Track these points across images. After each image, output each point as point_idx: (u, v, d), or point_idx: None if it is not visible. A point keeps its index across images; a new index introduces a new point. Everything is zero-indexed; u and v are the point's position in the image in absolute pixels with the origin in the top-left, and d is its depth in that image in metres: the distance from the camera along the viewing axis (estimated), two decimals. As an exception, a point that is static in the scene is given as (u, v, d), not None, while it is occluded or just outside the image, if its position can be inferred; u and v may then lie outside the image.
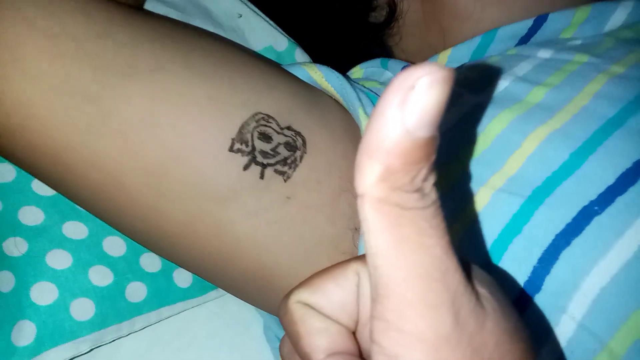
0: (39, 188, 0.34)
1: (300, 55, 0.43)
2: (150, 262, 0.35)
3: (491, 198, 0.28)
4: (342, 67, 0.45)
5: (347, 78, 0.34)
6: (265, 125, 0.28)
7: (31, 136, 0.27)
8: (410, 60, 0.44)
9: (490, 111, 0.30)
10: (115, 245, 0.34)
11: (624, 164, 0.26)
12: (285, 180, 0.28)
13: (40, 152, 0.27)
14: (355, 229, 0.29)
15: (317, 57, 0.47)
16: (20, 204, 0.33)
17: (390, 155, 0.14)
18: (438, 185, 0.27)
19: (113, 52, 0.27)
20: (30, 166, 0.29)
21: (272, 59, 0.42)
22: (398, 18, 0.42)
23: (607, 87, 0.29)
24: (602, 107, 0.28)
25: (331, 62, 0.46)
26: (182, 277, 0.36)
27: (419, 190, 0.15)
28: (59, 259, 0.33)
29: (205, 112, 0.27)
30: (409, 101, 0.14)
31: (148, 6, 0.41)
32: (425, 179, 0.15)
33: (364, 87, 0.35)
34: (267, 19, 0.43)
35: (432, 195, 0.16)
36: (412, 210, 0.15)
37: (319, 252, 0.29)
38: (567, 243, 0.26)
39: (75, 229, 0.33)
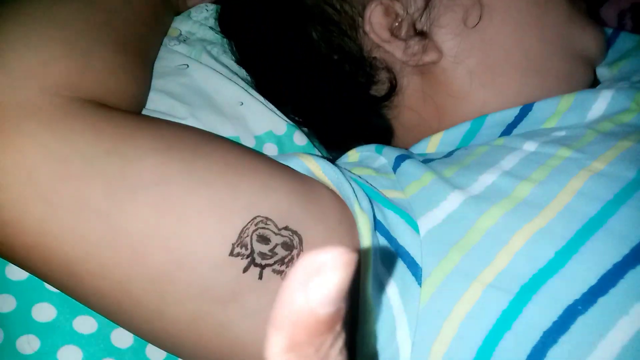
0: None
1: (299, 136, 0.46)
2: (155, 350, 0.36)
3: (482, 294, 0.29)
4: (343, 143, 0.47)
5: (340, 169, 0.35)
6: (264, 228, 0.30)
7: (44, 251, 0.28)
8: (407, 135, 0.46)
9: (479, 206, 0.32)
10: (122, 337, 0.35)
11: (604, 265, 0.28)
12: (282, 279, 0.30)
13: (53, 265, 0.29)
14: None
15: (318, 135, 0.49)
16: (34, 301, 0.34)
17: (295, 329, 0.15)
18: (429, 285, 0.27)
19: (121, 167, 0.28)
20: (43, 275, 0.30)
21: (272, 143, 0.44)
22: (398, 93, 0.44)
23: (588, 185, 0.31)
24: (584, 205, 0.30)
25: (332, 138, 0.49)
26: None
27: (325, 357, 0.16)
28: (69, 355, 0.34)
29: (207, 219, 0.29)
30: (313, 282, 0.15)
31: (154, 97, 0.43)
32: (331, 346, 0.16)
33: (360, 176, 0.37)
34: (267, 103, 0.46)
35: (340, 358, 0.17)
36: None
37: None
38: (554, 341, 0.27)
39: (85, 323, 0.35)
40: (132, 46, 0.37)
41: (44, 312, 0.34)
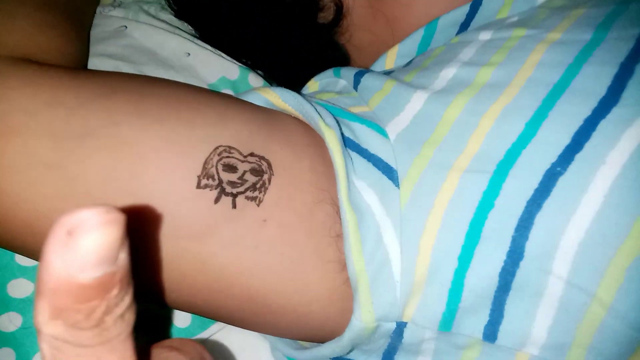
0: (22, 260, 0.34)
1: (254, 79, 0.44)
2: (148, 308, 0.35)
3: (460, 180, 0.29)
4: (300, 79, 0.46)
5: (302, 95, 0.35)
6: (228, 157, 0.29)
7: (3, 212, 0.27)
8: (363, 56, 0.45)
9: (443, 99, 0.31)
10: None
11: (575, 123, 0.27)
12: (258, 205, 0.29)
13: (13, 226, 0.27)
14: (337, 236, 0.30)
15: (272, 75, 0.48)
16: (8, 279, 0.33)
17: (55, 295, 0.14)
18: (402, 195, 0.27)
19: (65, 117, 0.27)
20: (7, 241, 0.29)
21: (227, 89, 0.43)
22: (346, 15, 0.43)
23: (547, 55, 0.31)
24: (546, 74, 0.30)
25: (287, 76, 0.48)
26: (180, 318, 0.36)
27: (98, 325, 0.15)
28: (55, 325, 0.32)
29: (165, 155, 0.27)
30: (68, 245, 0.13)
31: (96, 61, 0.42)
32: (108, 312, 0.15)
33: (321, 99, 0.36)
34: (216, 50, 0.44)
35: (119, 325, 0.15)
36: (92, 347, 0.15)
37: (304, 266, 0.29)
38: (539, 207, 0.27)
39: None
40: (59, 4, 0.35)
41: (20, 287, 0.33)
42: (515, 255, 0.27)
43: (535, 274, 0.27)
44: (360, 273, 0.28)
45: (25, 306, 0.33)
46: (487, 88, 0.31)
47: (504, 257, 0.27)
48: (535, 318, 0.27)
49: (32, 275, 0.33)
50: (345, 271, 0.30)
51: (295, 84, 0.47)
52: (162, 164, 0.27)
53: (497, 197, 0.28)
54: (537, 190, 0.27)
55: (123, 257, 0.15)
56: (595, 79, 0.28)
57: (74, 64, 0.36)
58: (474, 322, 0.28)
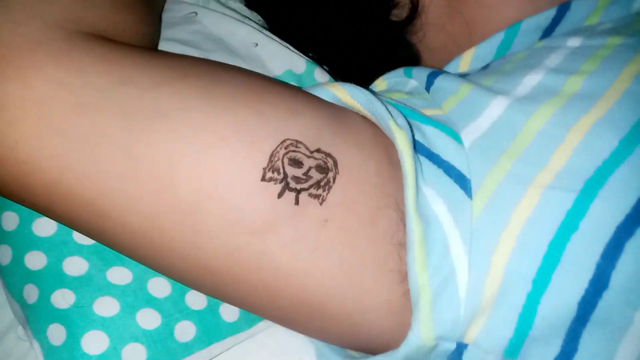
0: (80, 238, 0.34)
1: (320, 74, 0.43)
2: (196, 299, 0.35)
3: (540, 197, 0.26)
4: (367, 78, 0.44)
5: (372, 92, 0.33)
6: (295, 151, 0.28)
7: (66, 189, 0.27)
8: (435, 58, 0.44)
9: (526, 107, 0.29)
10: (160, 286, 0.34)
11: None
12: (320, 204, 0.28)
13: (76, 204, 0.27)
14: (400, 244, 0.28)
15: (340, 71, 0.47)
16: (64, 256, 0.33)
17: None
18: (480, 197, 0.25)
19: (137, 97, 0.27)
20: (68, 219, 0.29)
21: (293, 82, 0.42)
22: (420, 13, 0.41)
23: None
24: None
25: (354, 73, 0.46)
26: (229, 312, 0.36)
27: None
28: (106, 306, 0.32)
29: (233, 144, 0.27)
30: None
31: (165, 46, 0.41)
32: None
33: (391, 99, 0.35)
34: (283, 42, 0.44)
35: None
36: None
37: (363, 273, 0.28)
38: (631, 234, 0.24)
39: (120, 275, 0.33)
40: None
41: (75, 265, 0.33)
42: (599, 284, 0.25)
43: (619, 307, 0.24)
44: (422, 287, 0.27)
45: (79, 284, 0.33)
46: (577, 99, 0.29)
47: (585, 285, 0.25)
48: (615, 355, 0.25)
49: (88, 254, 0.33)
50: (406, 282, 0.28)
51: (362, 82, 0.45)
52: (229, 153, 0.27)
53: (582, 219, 0.25)
54: (629, 216, 0.25)
55: None
56: None
57: (146, 45, 0.36)
58: (543, 353, 0.26)
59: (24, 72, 0.26)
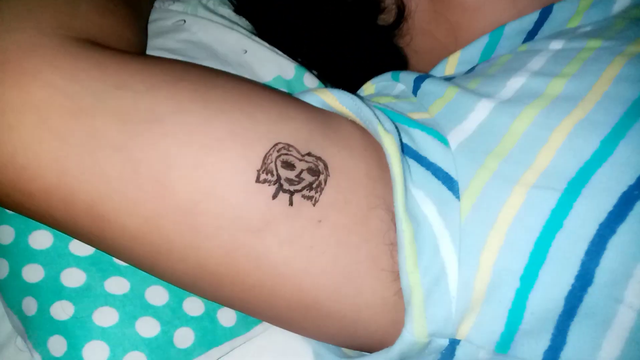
0: (77, 249, 0.34)
1: (309, 79, 0.44)
2: (194, 306, 0.35)
3: (526, 197, 0.27)
4: (355, 82, 0.45)
5: (360, 97, 0.34)
6: (287, 154, 0.29)
7: (65, 193, 0.27)
8: (422, 61, 0.44)
9: (511, 109, 0.30)
10: (157, 294, 0.34)
11: None
12: (314, 204, 0.28)
13: (75, 208, 0.28)
14: (392, 244, 0.29)
15: (329, 76, 0.47)
16: (62, 268, 0.33)
17: None
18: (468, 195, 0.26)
19: (132, 101, 0.27)
20: (68, 225, 0.29)
21: (282, 89, 0.43)
22: (407, 18, 0.41)
23: (626, 69, 0.29)
24: (625, 90, 0.28)
25: (343, 78, 0.47)
26: (226, 317, 0.36)
27: None
28: (105, 316, 0.33)
29: (229, 146, 0.28)
30: None
31: (154, 55, 0.42)
32: None
33: (379, 103, 0.35)
34: (272, 48, 0.44)
35: None
36: None
37: (358, 271, 0.29)
38: (613, 231, 0.25)
39: (118, 284, 0.34)
40: None
41: (73, 277, 0.33)
42: (584, 280, 0.26)
43: (604, 301, 0.25)
44: (414, 286, 0.28)
45: (78, 295, 0.33)
46: (559, 101, 0.29)
47: (571, 280, 0.26)
48: (601, 347, 0.26)
49: (86, 265, 0.34)
50: (399, 281, 0.29)
51: (351, 86, 0.46)
52: (225, 155, 0.27)
53: (566, 218, 0.26)
54: (611, 213, 0.26)
55: None
56: None
57: (134, 52, 0.36)
58: (533, 346, 0.27)
59: (21, 77, 0.26)
